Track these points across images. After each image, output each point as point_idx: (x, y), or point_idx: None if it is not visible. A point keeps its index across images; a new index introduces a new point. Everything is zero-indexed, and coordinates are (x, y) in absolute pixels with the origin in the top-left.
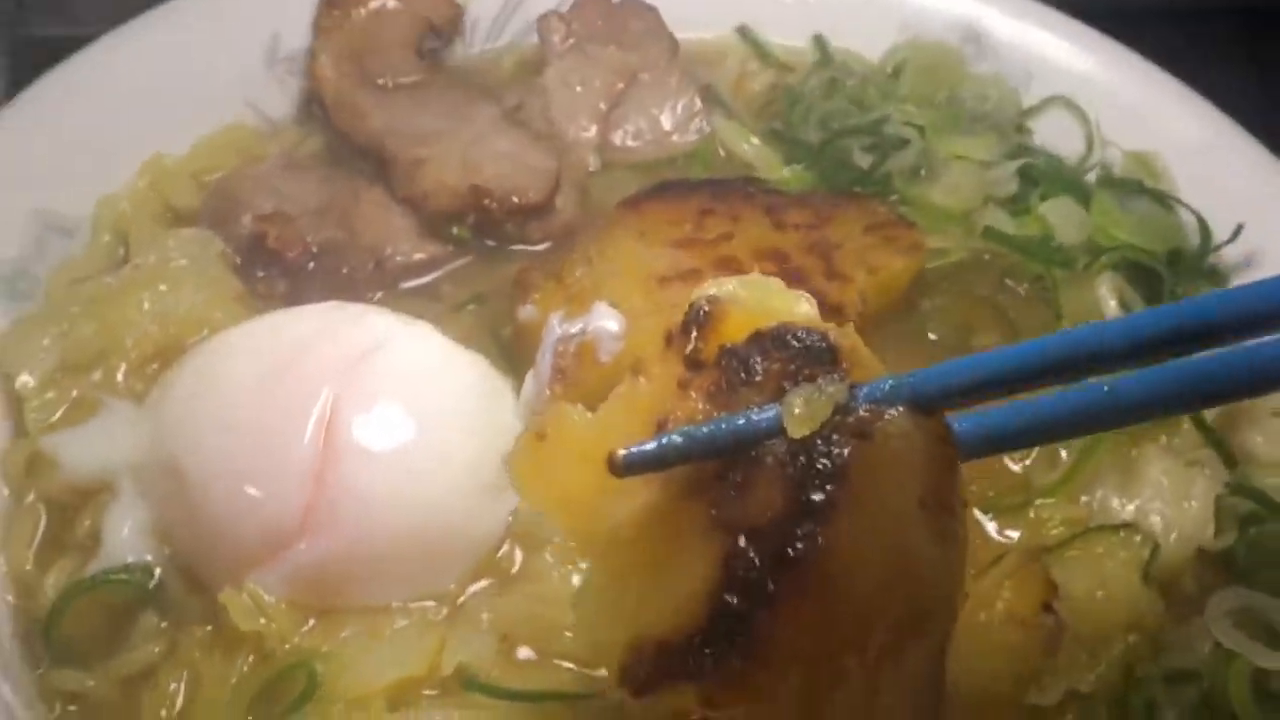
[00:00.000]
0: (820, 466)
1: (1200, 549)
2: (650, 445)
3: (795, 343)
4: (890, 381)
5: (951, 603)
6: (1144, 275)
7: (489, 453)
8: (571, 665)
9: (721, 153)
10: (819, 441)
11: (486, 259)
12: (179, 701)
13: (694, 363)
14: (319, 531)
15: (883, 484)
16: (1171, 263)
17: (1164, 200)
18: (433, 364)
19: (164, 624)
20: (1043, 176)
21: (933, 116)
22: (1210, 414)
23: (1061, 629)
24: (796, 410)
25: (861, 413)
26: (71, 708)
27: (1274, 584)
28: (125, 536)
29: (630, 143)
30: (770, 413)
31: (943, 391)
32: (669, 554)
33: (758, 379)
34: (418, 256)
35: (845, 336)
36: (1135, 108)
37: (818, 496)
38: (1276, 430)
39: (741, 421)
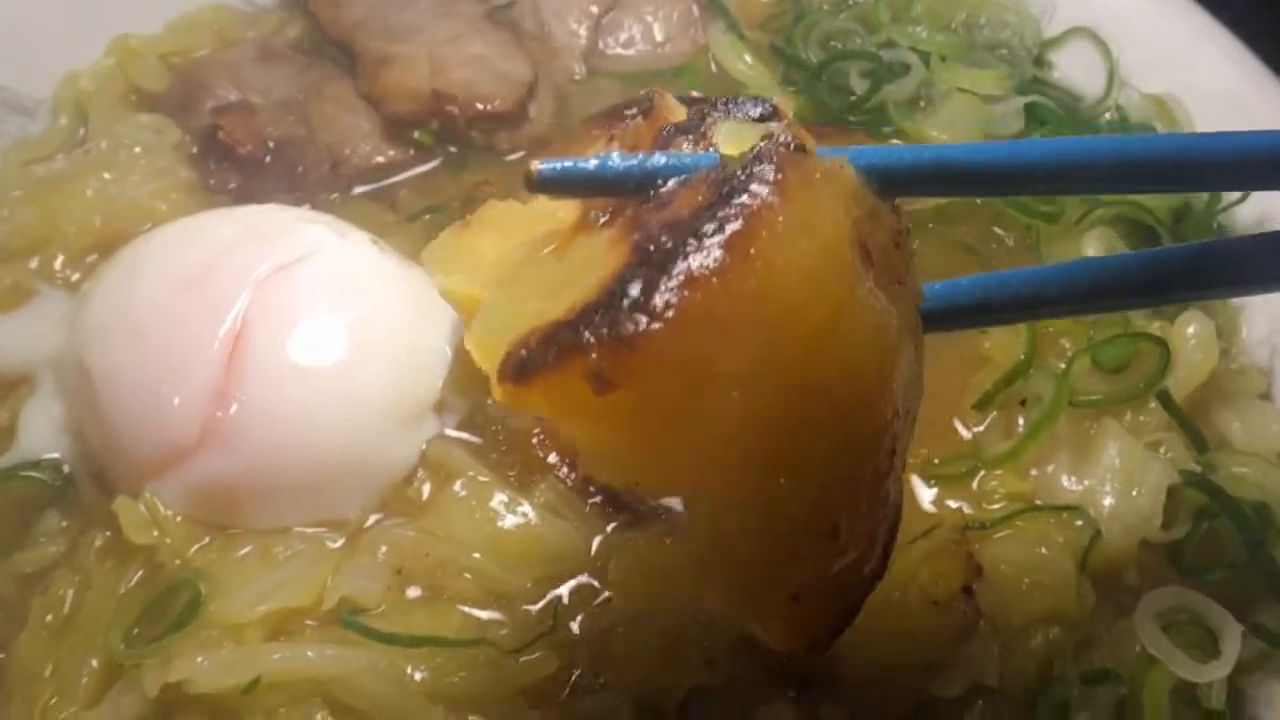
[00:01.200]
0: (751, 173)
1: (1144, 541)
2: (567, 161)
3: (737, 105)
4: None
5: (877, 367)
6: (1140, 234)
7: (410, 382)
8: (464, 608)
9: (713, 68)
10: (754, 157)
11: (450, 167)
12: (66, 607)
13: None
14: (217, 445)
15: (813, 204)
16: (1177, 220)
17: None
18: (363, 281)
19: (66, 524)
20: (1051, 116)
21: (943, 43)
22: (1181, 394)
23: (977, 616)
24: (725, 131)
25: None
26: None
27: (1221, 586)
28: (41, 432)
29: (620, 50)
30: (698, 159)
31: (899, 171)
32: (575, 270)
33: (693, 136)
34: (377, 160)
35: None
36: (1166, 47)
37: (742, 196)
38: (1257, 416)
39: (664, 159)
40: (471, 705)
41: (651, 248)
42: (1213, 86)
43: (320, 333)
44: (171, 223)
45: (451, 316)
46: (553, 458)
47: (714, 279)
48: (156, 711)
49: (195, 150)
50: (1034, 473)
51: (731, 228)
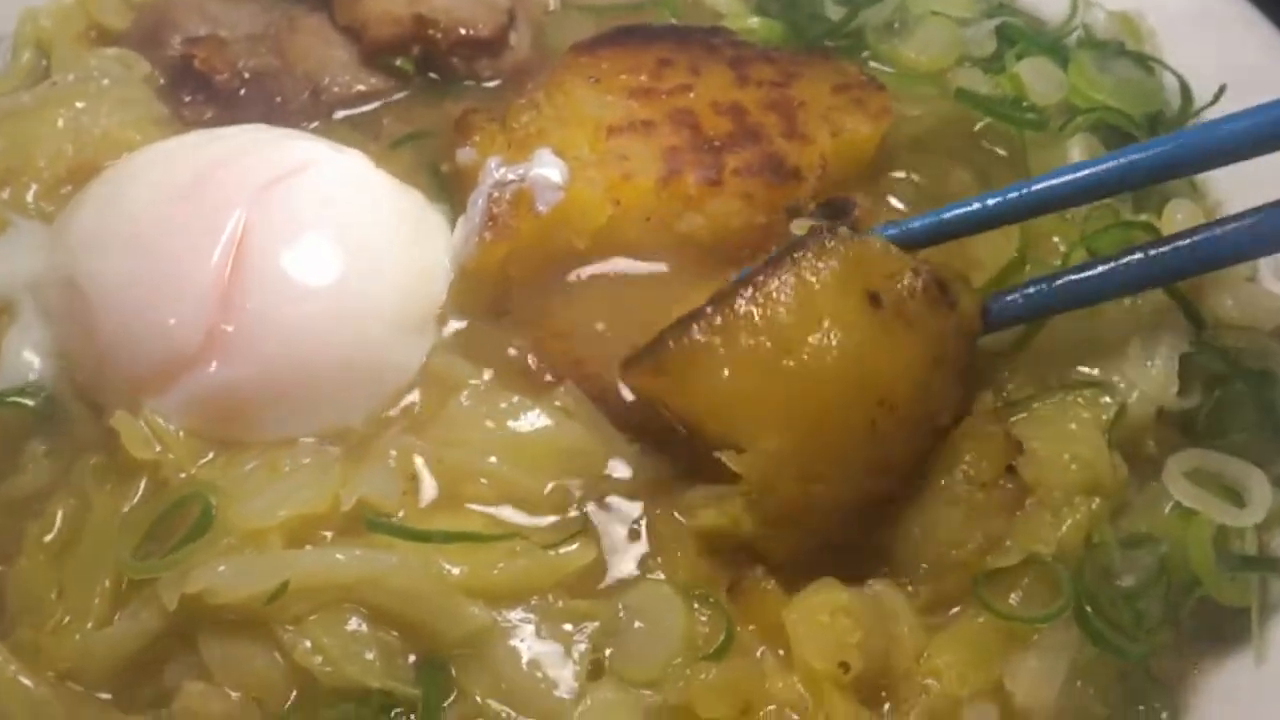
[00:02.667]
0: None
1: (1162, 410)
2: None
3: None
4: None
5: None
6: (1119, 140)
7: (410, 294)
8: (480, 508)
9: None
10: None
11: (431, 94)
12: (64, 529)
13: None
14: (220, 357)
15: (826, 273)
16: (1150, 127)
17: (1145, 62)
18: (360, 193)
19: (55, 450)
20: (1020, 36)
21: None
22: None
23: (1023, 491)
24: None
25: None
26: None
27: (1237, 447)
28: (23, 357)
29: None
30: None
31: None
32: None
33: None
34: (357, 88)
35: None
36: None
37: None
38: (1248, 295)
39: None
40: (512, 598)
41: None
42: (1178, 2)
43: (322, 242)
44: (158, 142)
45: (447, 235)
46: (549, 376)
47: (724, 311)
48: (177, 626)
49: (163, 83)
50: (1046, 358)
51: (753, 278)
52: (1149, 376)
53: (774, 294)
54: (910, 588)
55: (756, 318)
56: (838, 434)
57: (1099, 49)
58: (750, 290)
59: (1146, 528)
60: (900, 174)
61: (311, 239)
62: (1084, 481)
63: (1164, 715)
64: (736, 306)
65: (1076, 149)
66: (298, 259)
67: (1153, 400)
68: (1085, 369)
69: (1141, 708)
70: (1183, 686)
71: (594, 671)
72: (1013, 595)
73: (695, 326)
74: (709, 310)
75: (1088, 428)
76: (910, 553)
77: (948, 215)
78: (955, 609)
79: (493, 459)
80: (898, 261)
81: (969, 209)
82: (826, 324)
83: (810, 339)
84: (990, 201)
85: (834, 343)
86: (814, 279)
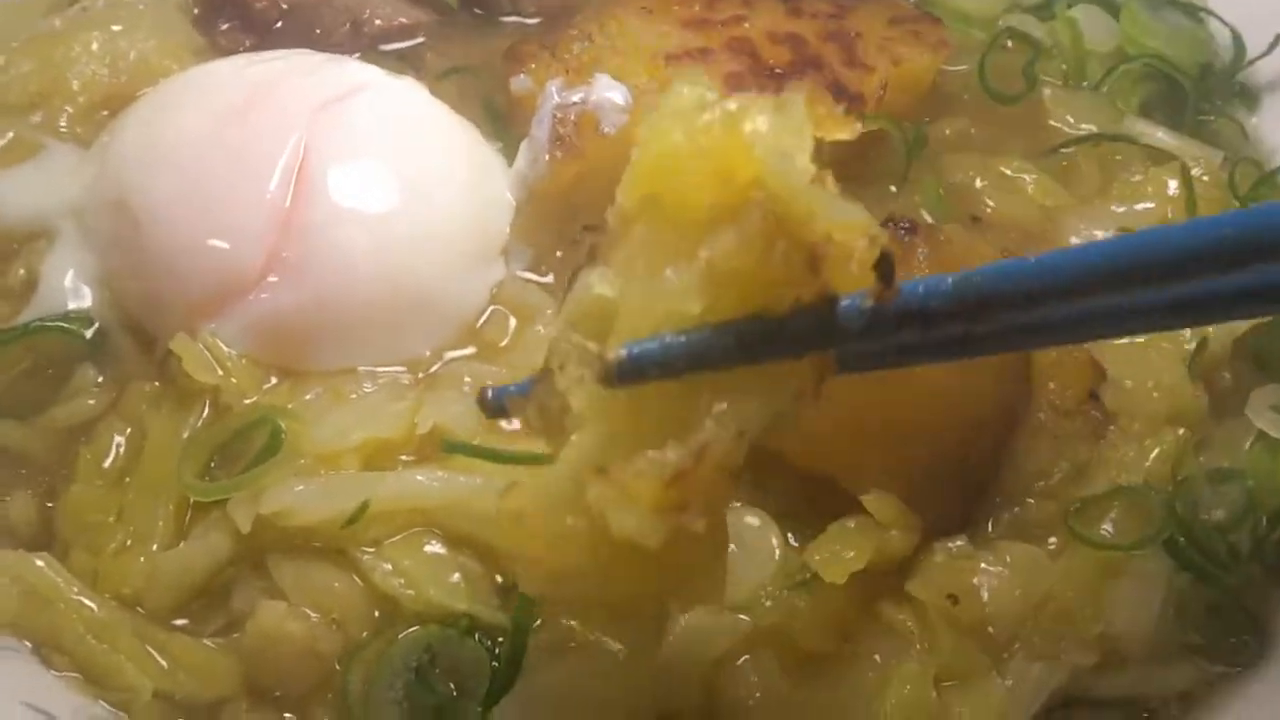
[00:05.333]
0: None
1: (1237, 341)
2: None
3: None
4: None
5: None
6: (1169, 90)
7: (475, 221)
8: None
9: None
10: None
11: (474, 29)
12: (120, 454)
13: None
14: (283, 280)
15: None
16: (1201, 77)
17: (1195, 13)
18: (420, 117)
19: (102, 379)
20: None
21: None
22: None
23: (1107, 419)
24: None
25: None
26: None
27: None
28: (65, 284)
29: None
30: None
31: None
32: None
33: None
34: (399, 20)
35: None
36: None
37: None
38: None
39: None
40: None
41: None
42: None
43: (385, 165)
44: (205, 64)
45: (505, 168)
46: None
47: None
48: (247, 551)
49: (198, 12)
50: None
51: None
52: None
53: None
54: (1005, 517)
55: None
56: (940, 460)
57: None
58: None
59: (1229, 462)
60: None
61: (373, 163)
62: (1167, 411)
63: (1252, 646)
64: None
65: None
66: (360, 183)
67: (1230, 331)
68: None
69: (1233, 640)
70: (1271, 620)
71: None
72: (1103, 526)
73: None
74: None
75: (1169, 358)
76: (1000, 485)
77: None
78: (1051, 541)
79: None
80: (979, 255)
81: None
82: None
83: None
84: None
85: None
86: None
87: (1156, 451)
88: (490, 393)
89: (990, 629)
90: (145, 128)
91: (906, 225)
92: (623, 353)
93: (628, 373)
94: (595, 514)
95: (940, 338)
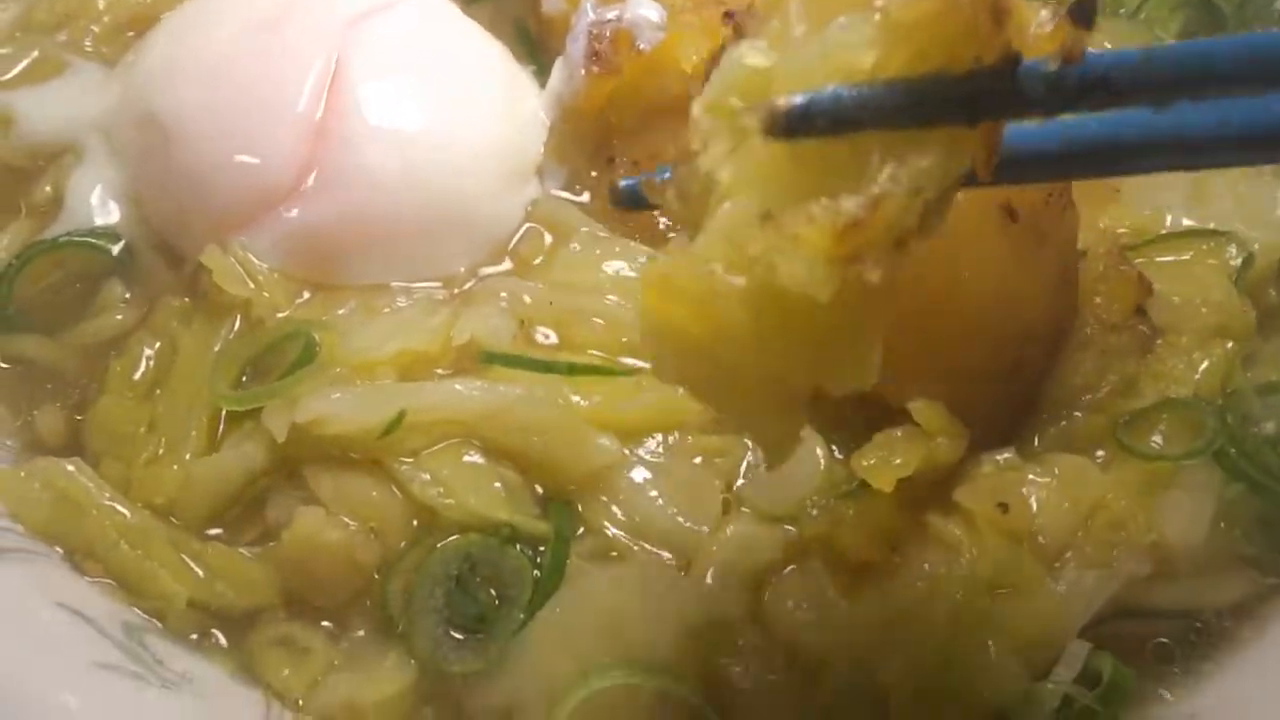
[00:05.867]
0: None
1: None
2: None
3: None
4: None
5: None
6: (1208, 15)
7: (508, 139)
8: (598, 352)
9: None
10: None
11: None
12: (150, 368)
13: None
14: (315, 192)
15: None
16: (1241, 3)
17: None
18: (451, 34)
19: (129, 295)
20: None
21: None
22: None
23: (1154, 333)
24: None
25: None
26: (5, 365)
27: None
28: (92, 200)
29: None
30: None
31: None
32: None
33: None
34: None
35: None
36: None
37: None
38: None
39: None
40: (641, 433)
41: None
42: None
43: (418, 80)
44: None
45: (538, 90)
46: (665, 221)
47: None
48: (281, 461)
49: None
50: (1148, 212)
51: None
52: (1271, 225)
53: None
54: (1051, 430)
55: None
56: (988, 371)
57: None
58: None
59: (1278, 376)
60: None
61: (406, 78)
62: (1215, 325)
63: None
64: None
65: None
66: (393, 98)
67: (1275, 249)
68: (1189, 220)
69: None
70: None
71: (725, 506)
72: (1152, 438)
73: None
74: None
75: (1216, 274)
76: (1045, 400)
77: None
78: (1099, 454)
79: (610, 299)
80: None
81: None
82: (968, 251)
83: (951, 271)
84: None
85: (978, 274)
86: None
87: (1205, 365)
88: (623, 184)
89: (1041, 538)
90: (174, 41)
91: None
92: (795, 100)
93: (796, 122)
94: (760, 266)
95: (1109, 136)
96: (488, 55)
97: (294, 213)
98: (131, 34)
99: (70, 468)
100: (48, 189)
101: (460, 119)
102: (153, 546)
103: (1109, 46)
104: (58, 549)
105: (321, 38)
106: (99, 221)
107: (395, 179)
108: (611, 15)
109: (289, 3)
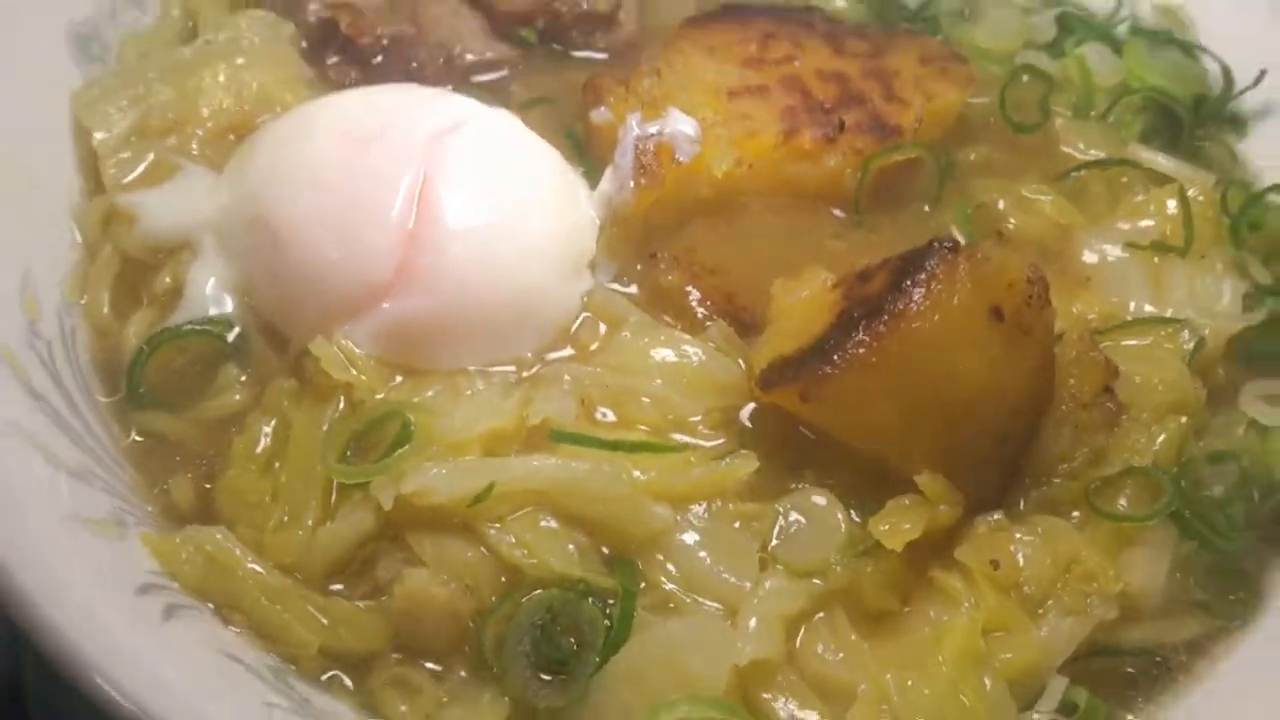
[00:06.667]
0: (919, 264)
1: (1230, 340)
2: None
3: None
4: None
5: (1006, 397)
6: (1167, 119)
7: (567, 236)
8: (647, 428)
9: None
10: (926, 252)
11: (551, 62)
12: (268, 443)
13: None
14: (410, 289)
15: (951, 291)
16: (1196, 107)
17: (1191, 50)
18: (515, 146)
19: (244, 377)
20: (1078, 25)
21: None
22: None
23: (1120, 410)
24: None
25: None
26: (139, 439)
27: None
28: (207, 292)
29: None
30: None
31: None
32: (808, 321)
33: None
34: (487, 55)
35: None
36: None
37: (907, 283)
38: None
39: None
40: (689, 501)
41: (845, 317)
42: None
43: (491, 186)
44: (325, 97)
45: (588, 190)
46: (701, 310)
47: (869, 348)
48: (387, 527)
49: (305, 46)
50: (1114, 300)
51: (890, 311)
52: (1220, 313)
53: (913, 322)
54: (1034, 495)
55: (898, 346)
56: (980, 444)
57: (1149, 37)
58: (886, 320)
59: (1225, 445)
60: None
61: (481, 187)
62: (1172, 402)
63: (1248, 601)
64: (878, 336)
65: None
66: (471, 205)
67: (1222, 334)
68: (1150, 309)
69: (1231, 597)
70: (1263, 579)
71: (761, 564)
72: (1119, 501)
73: (837, 357)
74: (852, 339)
75: (1172, 356)
76: (1028, 468)
77: None
78: (1074, 515)
79: (657, 382)
80: (1014, 269)
81: None
82: (963, 348)
83: (949, 365)
84: None
85: (971, 366)
86: (950, 301)
87: (1163, 437)
88: None
89: (1026, 589)
90: (278, 151)
91: (950, 244)
92: None
93: None
94: None
95: None
96: (547, 161)
97: (389, 306)
98: (232, 138)
99: (219, 535)
100: (167, 280)
101: (527, 220)
102: (288, 601)
103: (1081, 146)
104: (209, 605)
105: (410, 152)
106: (213, 311)
107: (475, 276)
108: (653, 129)
109: (380, 121)
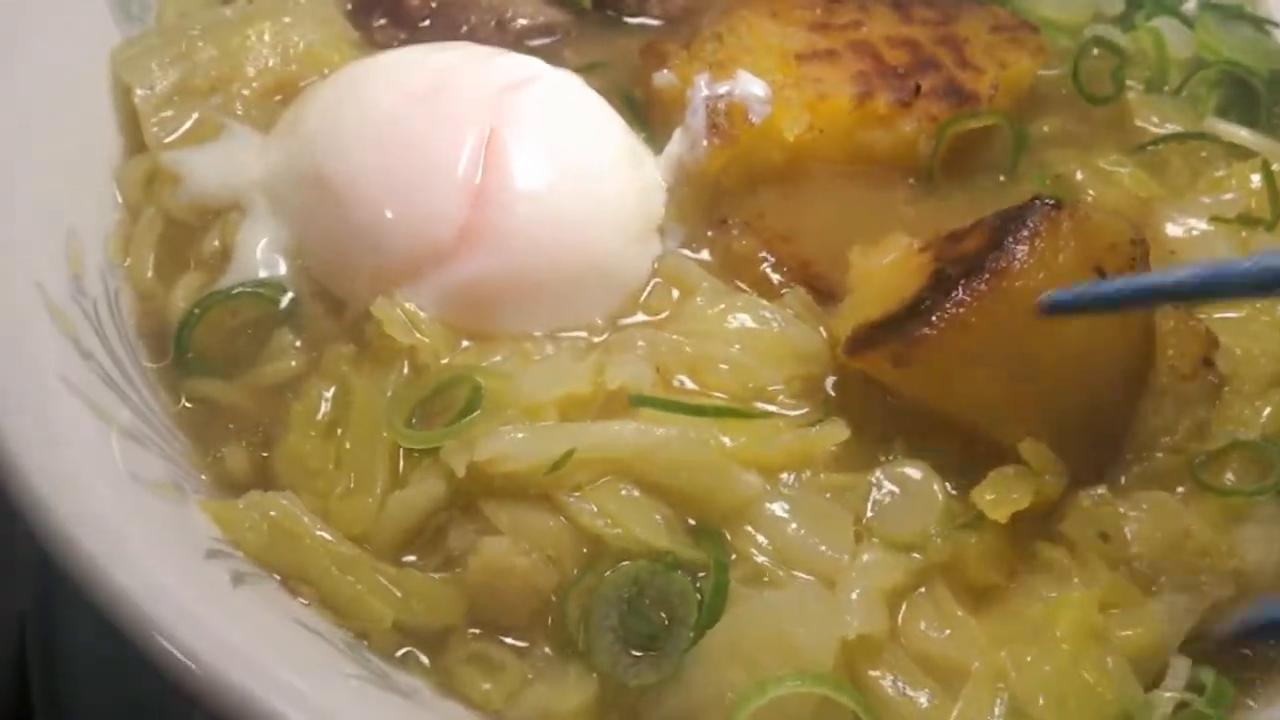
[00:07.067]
0: (1021, 221)
1: None
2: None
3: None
4: None
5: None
6: (1242, 93)
7: (636, 199)
8: (726, 396)
9: None
10: (1028, 209)
11: (604, 28)
12: (328, 409)
13: None
14: (476, 249)
15: (1054, 248)
16: (1272, 83)
17: (1262, 25)
18: (585, 106)
19: (299, 342)
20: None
21: None
22: None
23: (1221, 381)
24: None
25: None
26: (189, 405)
27: None
28: (258, 254)
29: None
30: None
31: None
32: (899, 283)
33: None
34: (540, 19)
35: None
36: None
37: (1009, 240)
38: None
39: None
40: (780, 469)
41: (940, 278)
42: None
43: (560, 145)
44: (382, 54)
45: (652, 155)
46: (776, 277)
47: (969, 307)
48: (459, 495)
49: (350, 7)
50: None
51: (991, 269)
52: None
53: (1015, 280)
54: (1135, 469)
55: (1000, 305)
56: (1080, 413)
57: (1221, 12)
58: (988, 278)
59: None
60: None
61: (552, 142)
62: (1274, 374)
63: None
64: (979, 295)
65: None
66: (540, 164)
67: None
68: None
69: None
70: None
71: (856, 536)
72: (1226, 475)
73: (935, 318)
74: (951, 298)
75: (1270, 329)
76: (1129, 442)
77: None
78: (1179, 489)
79: (736, 349)
80: (1116, 230)
81: None
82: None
83: (1051, 327)
84: None
85: (1073, 329)
86: (1055, 259)
87: (1268, 410)
88: None
89: (1135, 565)
90: (339, 107)
91: (1053, 202)
92: None
93: None
94: None
95: None
96: (613, 124)
97: (455, 267)
98: (278, 99)
99: (284, 500)
100: (215, 243)
101: (596, 181)
102: (359, 572)
103: (1155, 120)
104: (275, 575)
105: (477, 108)
106: (264, 274)
107: (544, 237)
108: (723, 90)
109: (443, 76)
